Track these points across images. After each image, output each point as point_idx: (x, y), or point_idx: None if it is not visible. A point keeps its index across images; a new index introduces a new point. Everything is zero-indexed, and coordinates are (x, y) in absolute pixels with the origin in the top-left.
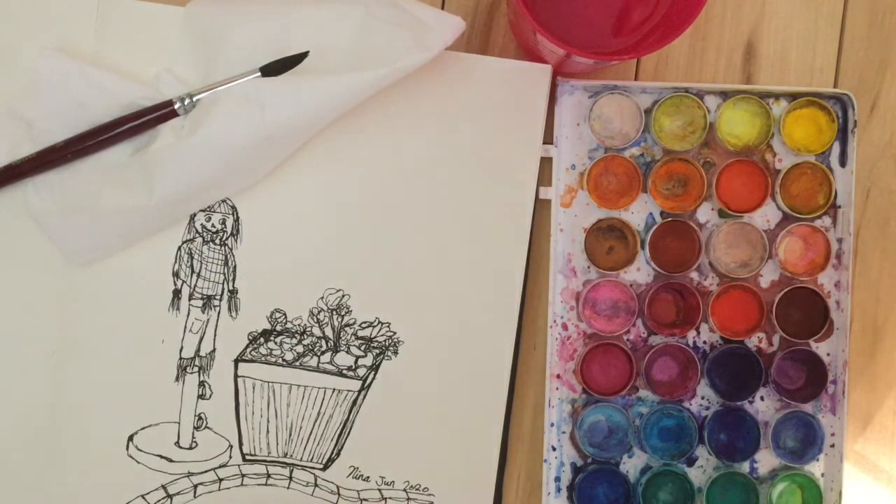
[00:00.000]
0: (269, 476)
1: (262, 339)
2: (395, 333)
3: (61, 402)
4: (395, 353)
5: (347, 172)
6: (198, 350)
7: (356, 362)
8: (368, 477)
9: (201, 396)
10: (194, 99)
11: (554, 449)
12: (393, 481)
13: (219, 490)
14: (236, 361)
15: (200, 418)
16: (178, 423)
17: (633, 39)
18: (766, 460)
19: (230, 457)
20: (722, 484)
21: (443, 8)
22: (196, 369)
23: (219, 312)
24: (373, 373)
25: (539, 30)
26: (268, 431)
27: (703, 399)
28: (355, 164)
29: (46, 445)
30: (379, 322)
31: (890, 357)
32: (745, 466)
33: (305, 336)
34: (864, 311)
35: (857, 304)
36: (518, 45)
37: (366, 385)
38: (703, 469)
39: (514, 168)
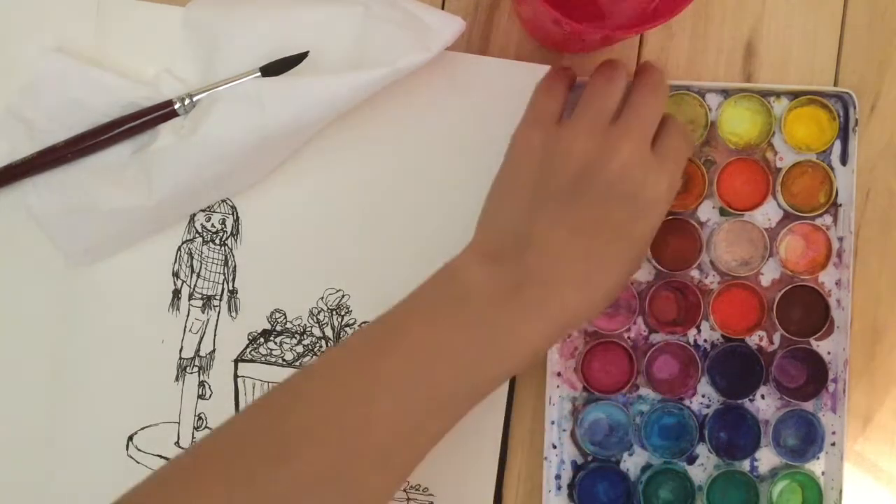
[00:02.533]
0: None
1: (261, 339)
2: None
3: (61, 402)
4: None
5: (347, 172)
6: (198, 350)
7: None
8: None
9: (201, 396)
10: (194, 99)
11: (554, 447)
12: None
13: None
14: (236, 361)
15: (200, 418)
16: (178, 423)
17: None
18: (766, 459)
19: None
20: (722, 482)
21: (443, 8)
22: (196, 369)
23: (219, 312)
24: None
25: (550, 10)
26: None
27: (703, 397)
28: (355, 164)
29: (46, 445)
30: None
31: (890, 357)
32: (745, 465)
33: (305, 336)
34: (864, 312)
35: (857, 304)
36: (522, 25)
37: None
38: (703, 467)
39: None
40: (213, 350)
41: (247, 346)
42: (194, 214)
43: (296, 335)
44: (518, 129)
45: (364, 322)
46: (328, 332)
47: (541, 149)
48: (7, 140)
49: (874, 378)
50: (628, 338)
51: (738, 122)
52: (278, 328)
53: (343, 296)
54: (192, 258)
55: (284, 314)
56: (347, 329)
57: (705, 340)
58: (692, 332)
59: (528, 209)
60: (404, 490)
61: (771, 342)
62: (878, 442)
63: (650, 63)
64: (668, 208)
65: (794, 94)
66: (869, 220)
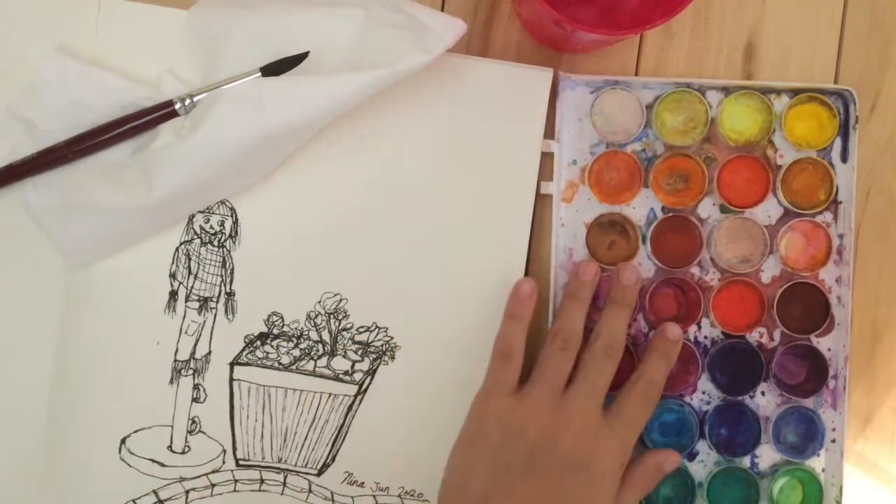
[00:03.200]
0: (262, 482)
1: (258, 343)
2: (392, 338)
3: (55, 403)
4: (392, 358)
5: (347, 175)
6: (193, 352)
7: (353, 367)
8: (363, 483)
9: (195, 400)
10: (195, 99)
11: None
12: (388, 487)
13: (211, 496)
14: (232, 365)
15: (194, 422)
16: (172, 426)
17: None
18: (766, 455)
19: (223, 462)
20: (723, 479)
21: (443, 9)
22: (191, 372)
23: (215, 315)
24: (369, 378)
25: (550, 11)
26: (262, 436)
27: (703, 394)
28: (355, 166)
29: (38, 447)
30: (376, 327)
31: (890, 357)
32: (745, 461)
33: (302, 340)
34: (863, 311)
35: (857, 303)
36: (522, 25)
37: (362, 390)
38: (703, 464)
39: (514, 165)
40: (209, 353)
41: (243, 350)
42: (193, 215)
43: (293, 339)
44: (477, 397)
45: (361, 326)
46: (325, 336)
47: (497, 422)
48: (7, 140)
49: (874, 378)
50: (629, 335)
51: (739, 120)
52: (275, 331)
53: (341, 300)
54: (190, 260)
55: (281, 317)
56: (344, 333)
57: (705, 337)
58: (692, 329)
59: (486, 484)
60: (399, 496)
61: (771, 339)
62: (878, 442)
63: (610, 323)
64: (622, 470)
65: (794, 92)
66: (869, 220)
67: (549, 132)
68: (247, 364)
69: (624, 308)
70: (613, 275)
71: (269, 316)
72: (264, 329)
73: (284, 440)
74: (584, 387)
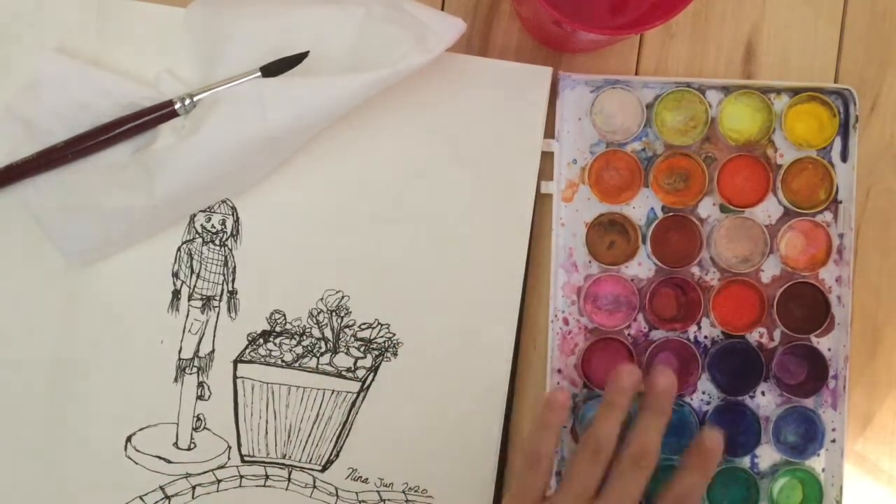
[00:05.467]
0: (267, 477)
1: (261, 340)
2: (394, 335)
3: (60, 402)
4: (395, 354)
5: (348, 173)
6: (197, 351)
7: (355, 364)
8: (367, 478)
9: (200, 397)
10: (195, 99)
11: None
12: (391, 483)
13: (217, 491)
14: (235, 362)
15: (199, 419)
16: (177, 423)
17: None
18: (766, 455)
19: (228, 458)
20: (722, 479)
21: (443, 8)
22: (195, 370)
23: (218, 313)
24: (372, 374)
25: (550, 11)
26: (266, 433)
27: (704, 394)
28: (355, 165)
29: (45, 446)
30: (378, 323)
31: (890, 357)
32: (745, 461)
33: (305, 337)
34: (864, 311)
35: (857, 303)
36: (522, 25)
37: (365, 386)
38: None
39: (514, 164)
40: (213, 351)
41: (246, 347)
42: (194, 215)
43: (295, 336)
44: (504, 500)
45: (364, 323)
46: (328, 333)
47: None
48: (7, 140)
49: (874, 378)
50: (629, 334)
51: (739, 119)
52: (278, 329)
53: (343, 297)
54: (192, 259)
55: (284, 315)
56: (347, 330)
57: (705, 337)
58: (692, 329)
59: None
60: (403, 492)
61: (771, 339)
62: (878, 442)
63: (643, 431)
64: None
65: (794, 91)
66: (869, 219)
67: (550, 131)
68: (250, 362)
69: (658, 416)
70: (648, 381)
71: (272, 314)
72: (267, 327)
73: (288, 436)
74: (613, 499)
